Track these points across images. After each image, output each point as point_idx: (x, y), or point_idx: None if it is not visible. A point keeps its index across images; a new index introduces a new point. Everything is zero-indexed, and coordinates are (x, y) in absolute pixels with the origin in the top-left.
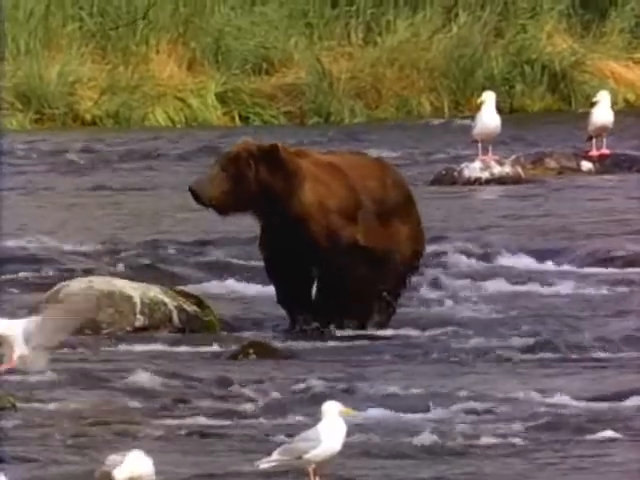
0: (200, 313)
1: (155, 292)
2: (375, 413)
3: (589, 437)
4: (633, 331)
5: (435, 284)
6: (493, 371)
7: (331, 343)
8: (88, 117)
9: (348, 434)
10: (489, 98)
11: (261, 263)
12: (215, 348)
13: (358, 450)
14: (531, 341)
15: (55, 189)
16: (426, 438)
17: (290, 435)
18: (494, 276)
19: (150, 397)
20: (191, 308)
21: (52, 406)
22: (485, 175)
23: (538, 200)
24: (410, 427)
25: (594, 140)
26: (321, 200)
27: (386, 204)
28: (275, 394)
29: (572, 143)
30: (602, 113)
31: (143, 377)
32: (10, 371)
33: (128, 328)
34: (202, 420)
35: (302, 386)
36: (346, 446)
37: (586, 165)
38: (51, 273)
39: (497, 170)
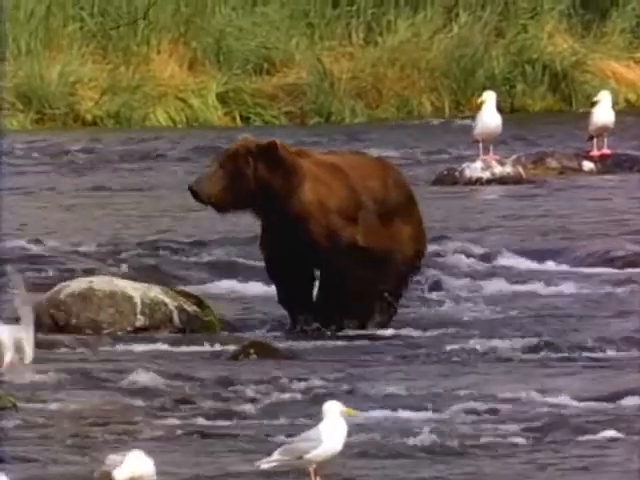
0: (200, 313)
1: (156, 292)
2: (376, 413)
3: (590, 437)
4: (634, 331)
5: (436, 284)
6: (494, 371)
7: (332, 343)
8: (89, 117)
9: (349, 434)
10: (490, 98)
11: (262, 263)
12: (216, 348)
13: (359, 450)
14: (532, 341)
15: (55, 189)
16: (426, 438)
17: (291, 435)
18: (495, 276)
19: (151, 397)
20: (191, 308)
21: (53, 406)
22: (486, 175)
23: (539, 200)
24: (411, 427)
25: (595, 140)
26: (321, 200)
27: (387, 204)
28: (276, 394)
29: (573, 143)
30: (603, 113)
31: (144, 377)
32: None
33: (129, 328)
34: (203, 420)
35: (303, 386)
36: (347, 446)
37: (587, 165)
38: (51, 273)
39: (498, 170)
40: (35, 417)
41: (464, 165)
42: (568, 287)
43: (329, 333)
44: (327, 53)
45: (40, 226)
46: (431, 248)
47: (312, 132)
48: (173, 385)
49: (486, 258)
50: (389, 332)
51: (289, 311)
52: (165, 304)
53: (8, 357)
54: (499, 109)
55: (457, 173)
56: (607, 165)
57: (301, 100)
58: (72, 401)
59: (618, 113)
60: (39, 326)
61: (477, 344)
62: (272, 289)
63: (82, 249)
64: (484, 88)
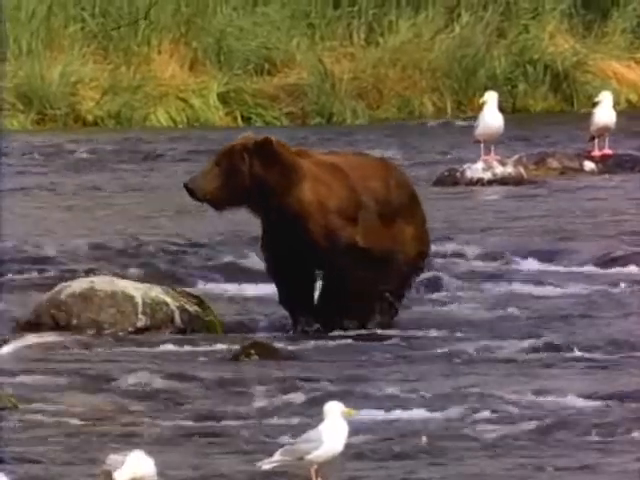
0: (202, 313)
1: (157, 292)
2: (377, 413)
3: (592, 438)
4: (635, 331)
5: (437, 284)
6: (495, 372)
7: (333, 343)
8: (90, 118)
9: (349, 435)
10: (491, 98)
11: (262, 263)
12: (217, 348)
13: (359, 451)
14: (533, 342)
15: (56, 190)
16: (427, 439)
17: (292, 436)
18: (496, 277)
19: (151, 397)
20: (193, 308)
21: (53, 406)
22: (487, 176)
23: (540, 200)
24: (411, 428)
25: (596, 140)
26: (321, 200)
27: (390, 204)
28: (277, 395)
29: (574, 143)
30: (604, 113)
31: (144, 377)
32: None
33: (130, 328)
34: (204, 420)
35: (304, 387)
36: (347, 447)
37: (588, 165)
38: (52, 274)
39: (499, 170)
40: (35, 417)
41: (465, 166)
42: (569, 287)
43: (330, 334)
44: (328, 53)
45: (40, 226)
46: (432, 249)
47: (313, 133)
48: (174, 385)
49: (487, 259)
50: (390, 332)
51: (290, 312)
52: (166, 304)
53: None
54: (501, 109)
55: (458, 174)
56: (608, 165)
57: (302, 101)
58: (73, 401)
59: (619, 113)
60: (40, 326)
61: (478, 344)
62: (273, 290)
63: (83, 249)
64: (486, 88)
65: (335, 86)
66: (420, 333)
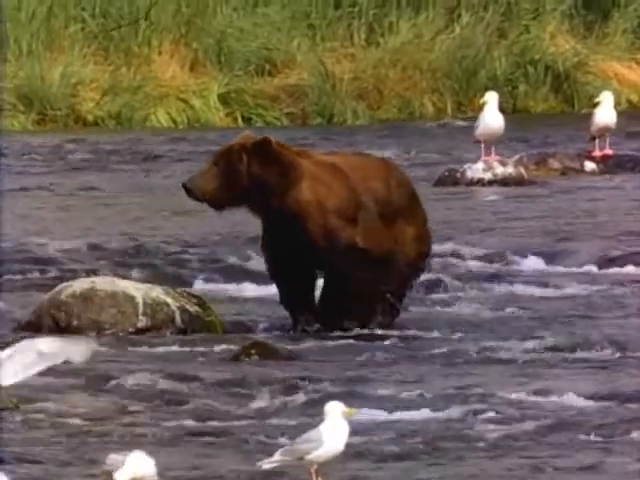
0: (202, 314)
1: (157, 292)
2: (377, 414)
3: (592, 438)
4: (637, 332)
5: (438, 285)
6: (496, 372)
7: (333, 344)
8: (90, 118)
9: (350, 435)
10: (492, 99)
11: (263, 263)
12: (217, 349)
13: (360, 451)
14: (534, 342)
15: (56, 190)
16: (428, 439)
17: (292, 436)
18: (497, 277)
19: (152, 398)
20: (193, 309)
21: (53, 407)
22: (488, 176)
23: (541, 201)
24: (412, 428)
25: (597, 141)
26: (320, 199)
27: (390, 205)
28: (277, 395)
29: (575, 144)
30: (605, 114)
31: (145, 378)
32: None
33: (130, 329)
34: (204, 420)
35: (304, 387)
36: (348, 447)
37: (589, 166)
38: (53, 274)
39: (500, 171)
40: (36, 417)
41: (465, 166)
42: (570, 288)
43: (330, 334)
44: (329, 54)
45: (41, 227)
46: (433, 249)
47: (314, 133)
48: (174, 386)
49: (487, 259)
50: (391, 333)
51: (290, 312)
52: (167, 304)
53: None
54: (501, 110)
55: (458, 174)
56: (609, 166)
57: (303, 101)
58: (73, 402)
59: (620, 114)
60: (40, 327)
61: (478, 345)
62: (274, 290)
63: (83, 250)
64: (486, 89)
65: (336, 87)
66: (420, 333)
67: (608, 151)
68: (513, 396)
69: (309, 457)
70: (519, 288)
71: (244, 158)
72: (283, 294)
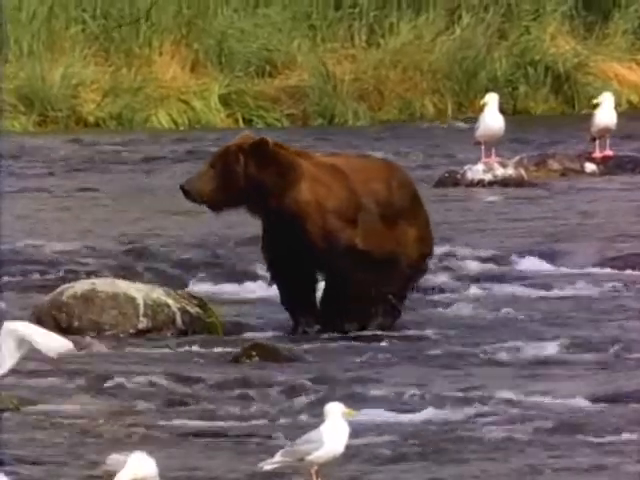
0: (203, 315)
1: (158, 294)
2: (378, 414)
3: (593, 439)
4: (637, 332)
5: (438, 286)
6: (497, 373)
7: (334, 345)
8: (91, 119)
9: (350, 436)
10: (492, 100)
11: (263, 265)
12: (218, 350)
13: (360, 452)
14: (536, 343)
15: (57, 191)
16: (429, 440)
17: (293, 437)
18: (497, 278)
19: (152, 399)
20: (194, 310)
21: (54, 407)
22: (488, 177)
23: (541, 202)
24: (413, 429)
25: (597, 142)
26: (319, 200)
27: (392, 206)
28: (278, 396)
29: (575, 145)
30: (605, 115)
31: (145, 379)
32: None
33: (131, 330)
34: (204, 422)
35: (304, 388)
36: (348, 448)
37: (589, 167)
38: (53, 275)
39: (500, 172)
40: (37, 418)
41: (466, 167)
42: (570, 289)
43: (331, 335)
44: (329, 55)
45: (41, 227)
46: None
47: (314, 134)
48: (175, 387)
49: (488, 260)
50: (392, 334)
51: (291, 313)
52: (168, 306)
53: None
54: (501, 111)
55: (459, 175)
56: (609, 167)
57: (303, 102)
58: (74, 402)
59: (620, 115)
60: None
61: (479, 346)
62: (274, 291)
63: (83, 251)
64: (486, 90)
65: (336, 88)
66: (421, 334)
67: (608, 152)
68: (513, 397)
69: (309, 458)
70: (519, 289)
71: (241, 159)
72: (283, 295)
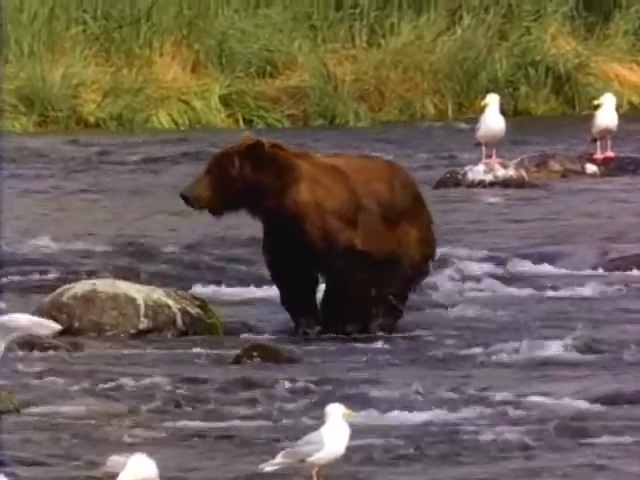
0: (204, 316)
1: (159, 294)
2: (378, 415)
3: (593, 439)
4: (637, 333)
5: (439, 287)
6: (498, 374)
7: (334, 345)
8: (91, 119)
9: (351, 437)
10: (493, 101)
11: (264, 265)
12: (219, 351)
13: (361, 453)
14: (536, 344)
15: (57, 192)
16: (429, 441)
17: (294, 438)
18: (497, 279)
19: (153, 399)
20: (194, 310)
21: (54, 409)
22: (489, 178)
23: (542, 203)
24: (413, 430)
25: (598, 143)
26: (318, 201)
27: (394, 207)
28: (278, 397)
29: (576, 146)
30: (606, 116)
31: (146, 379)
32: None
33: (132, 331)
34: (205, 423)
35: (305, 389)
36: (348, 449)
37: (590, 168)
38: (53, 276)
39: (501, 173)
40: (36, 419)
41: (467, 168)
42: (570, 289)
43: (332, 335)
44: (330, 56)
45: (41, 228)
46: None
47: (315, 134)
48: (176, 387)
49: (488, 261)
50: (393, 335)
51: (292, 313)
52: (168, 306)
53: None
54: (502, 112)
55: (459, 176)
56: (610, 168)
57: (304, 103)
58: (74, 404)
59: (621, 116)
60: None
61: (479, 347)
62: (275, 291)
63: (84, 251)
64: (487, 91)
65: (337, 88)
66: (422, 335)
67: (609, 153)
68: (514, 398)
69: (310, 459)
70: (520, 290)
71: (236, 162)
72: (284, 296)
